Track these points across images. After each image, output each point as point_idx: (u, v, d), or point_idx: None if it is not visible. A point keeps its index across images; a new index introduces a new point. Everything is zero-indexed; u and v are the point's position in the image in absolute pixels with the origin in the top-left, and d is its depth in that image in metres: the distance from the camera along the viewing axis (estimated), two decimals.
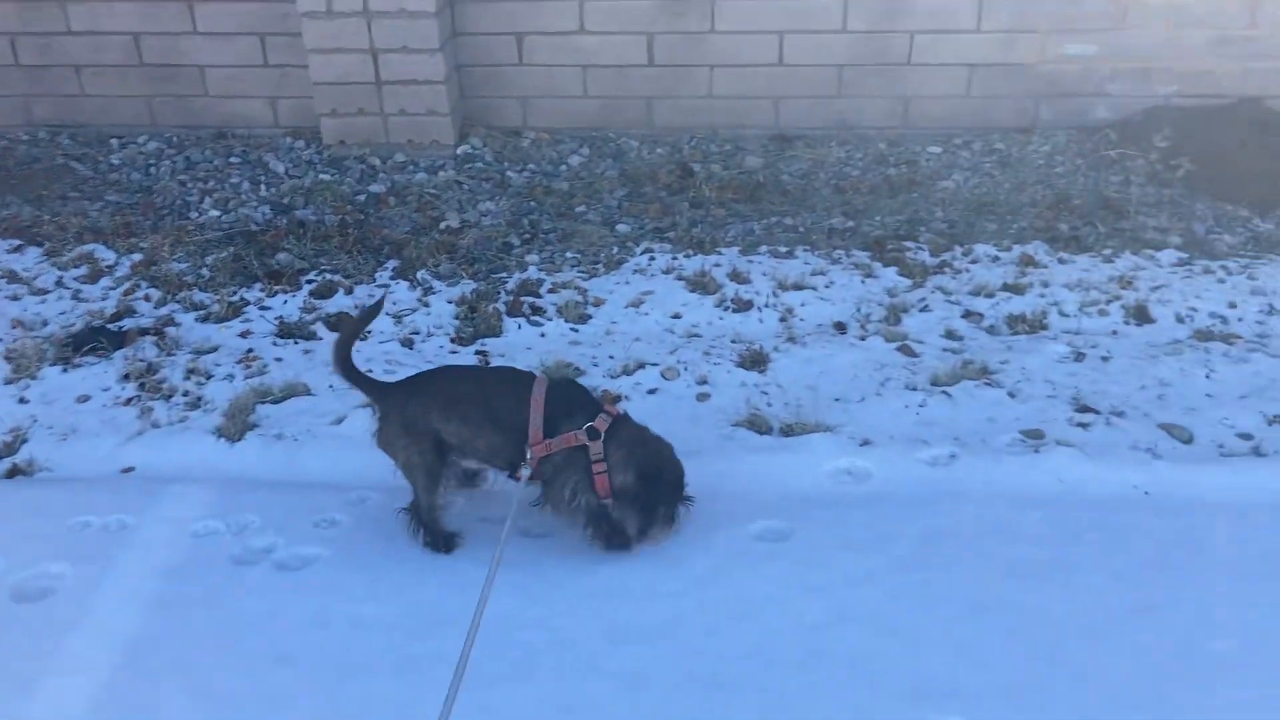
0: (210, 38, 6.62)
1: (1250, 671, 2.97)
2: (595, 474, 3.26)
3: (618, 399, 4.23)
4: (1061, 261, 5.24)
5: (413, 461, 3.40)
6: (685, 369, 4.43)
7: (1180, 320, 4.77)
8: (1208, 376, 4.32)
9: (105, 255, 5.40)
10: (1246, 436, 3.97)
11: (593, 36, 6.46)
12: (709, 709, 2.89)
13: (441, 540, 3.48)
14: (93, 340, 4.60)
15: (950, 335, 4.69)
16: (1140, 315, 4.79)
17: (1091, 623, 3.16)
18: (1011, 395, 4.23)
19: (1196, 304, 4.87)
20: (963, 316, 4.83)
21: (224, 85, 6.77)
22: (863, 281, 5.09)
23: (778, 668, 3.02)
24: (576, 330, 4.78)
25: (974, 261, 5.28)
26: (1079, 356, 4.49)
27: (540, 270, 5.25)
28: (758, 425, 4.07)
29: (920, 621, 3.18)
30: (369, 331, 4.69)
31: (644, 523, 3.32)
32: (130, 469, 3.95)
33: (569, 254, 5.40)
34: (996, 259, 5.29)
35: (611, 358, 4.54)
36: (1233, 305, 4.85)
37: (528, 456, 3.24)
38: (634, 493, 3.30)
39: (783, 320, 4.82)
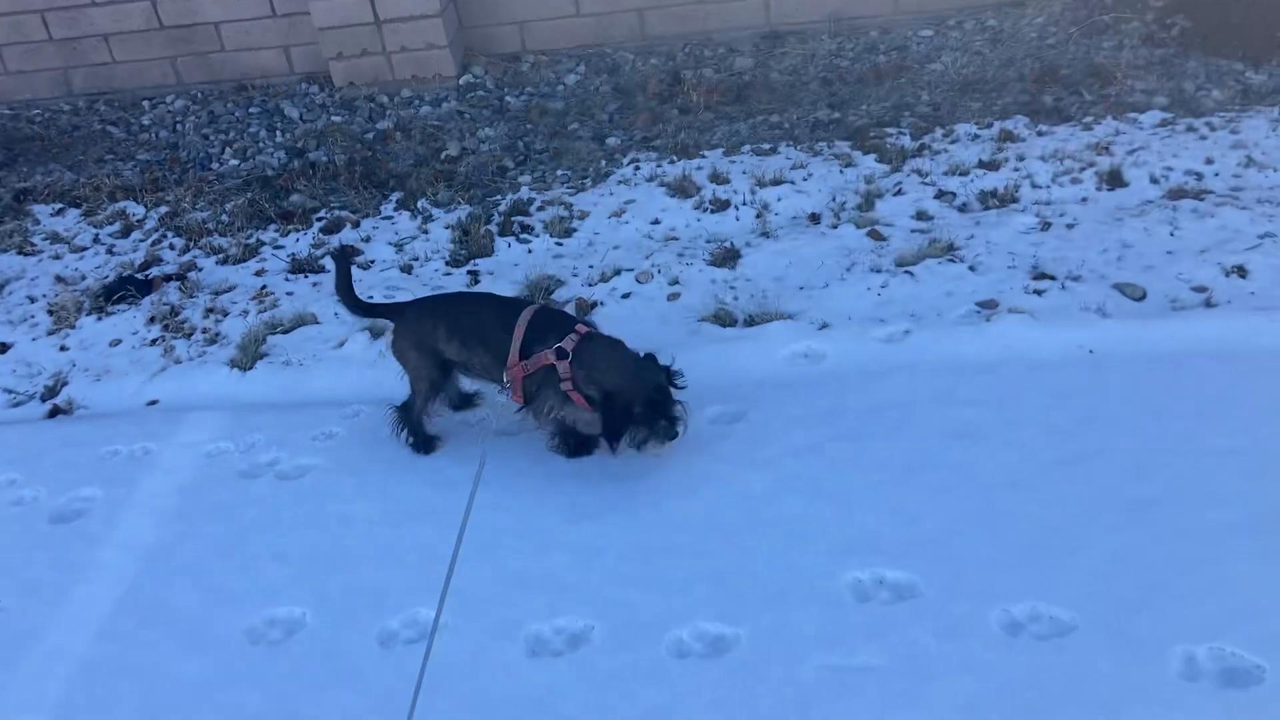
0: None
1: (1163, 511, 3.13)
2: (568, 391, 3.44)
3: (593, 306, 4.48)
4: (1040, 134, 5.27)
5: (421, 373, 3.71)
6: (659, 272, 4.65)
7: (1154, 181, 4.79)
8: (1172, 234, 4.38)
9: (135, 210, 5.82)
10: (1201, 289, 4.04)
11: None
12: (651, 572, 3.17)
13: (423, 442, 3.81)
14: (123, 289, 5.01)
15: (921, 216, 4.80)
16: (1113, 180, 4.82)
17: (1018, 476, 3.34)
18: (972, 269, 4.35)
19: (1173, 163, 4.88)
20: (935, 197, 4.93)
21: (239, 39, 7.09)
22: (841, 171, 5.21)
23: (717, 534, 3.28)
24: (561, 244, 5.02)
25: (953, 142, 5.34)
26: (1045, 226, 4.57)
27: (531, 190, 5.49)
28: (722, 319, 4.28)
29: (855, 486, 3.39)
30: (371, 262, 5.03)
31: (612, 432, 3.41)
32: (155, 402, 4.37)
33: (559, 171, 5.63)
34: (976, 137, 5.35)
35: (591, 267, 4.78)
36: (1210, 161, 4.85)
37: (505, 379, 3.52)
38: (601, 407, 3.43)
39: (759, 216, 4.99)
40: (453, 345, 3.63)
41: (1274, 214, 4.38)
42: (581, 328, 3.52)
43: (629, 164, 5.57)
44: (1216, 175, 4.76)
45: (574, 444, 3.67)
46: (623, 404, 3.39)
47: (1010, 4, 6.49)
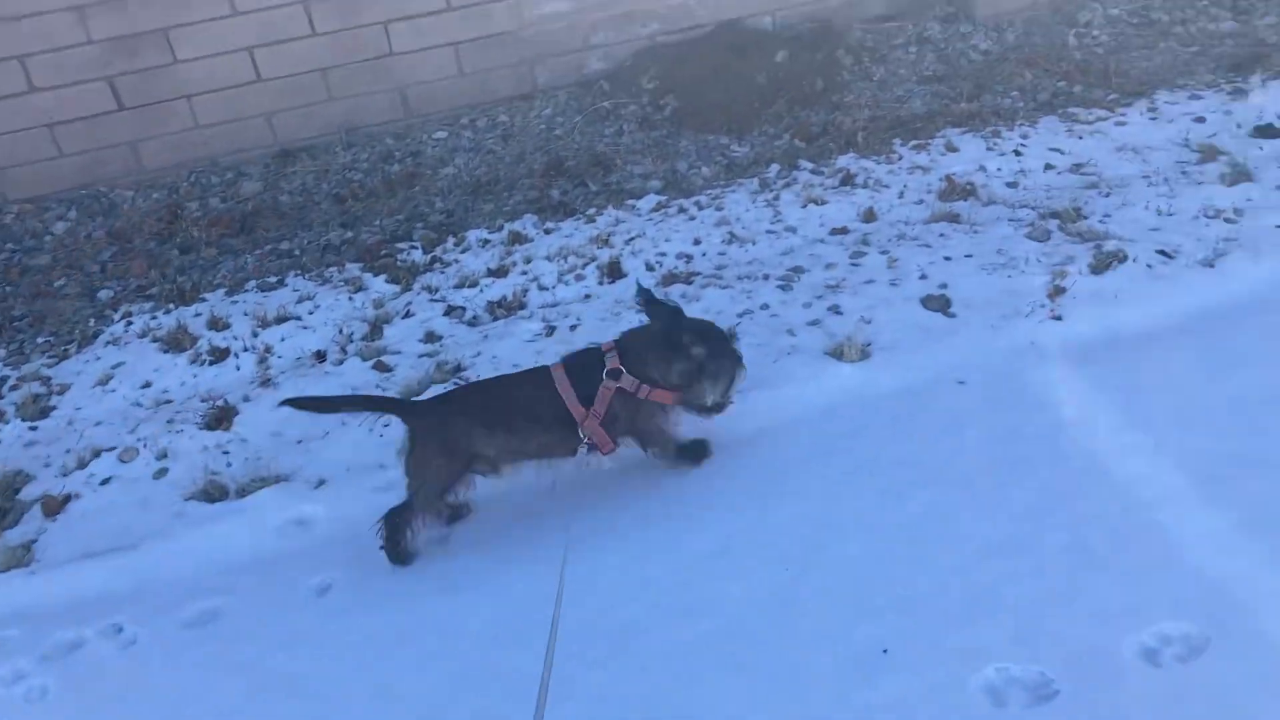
0: None
1: (644, 638, 3.07)
2: (651, 399, 3.40)
3: (65, 500, 3.95)
4: (547, 232, 5.30)
5: (440, 479, 3.42)
6: (145, 446, 4.18)
7: (650, 269, 4.92)
8: None
9: None
10: None
11: (47, 93, 5.96)
12: None
13: (408, 555, 3.52)
14: None
15: (430, 338, 4.64)
16: (614, 272, 4.91)
17: (505, 626, 3.20)
18: None
19: (666, 247, 5.04)
20: (445, 314, 4.79)
21: None
22: (350, 298, 4.98)
23: None
24: (35, 428, 4.42)
25: (465, 250, 5.26)
26: (550, 330, 4.55)
27: (5, 366, 4.84)
28: (212, 493, 3.88)
29: (340, 674, 3.12)
30: None
31: (712, 388, 3.51)
32: None
33: (40, 339, 5.00)
34: (487, 242, 5.29)
35: (68, 451, 4.23)
36: (698, 241, 5.05)
37: (583, 436, 3.35)
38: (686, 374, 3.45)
39: (261, 361, 4.64)
40: (496, 440, 3.40)
41: (751, 289, 4.60)
42: (606, 345, 3.46)
43: (121, 319, 5.05)
44: (704, 255, 4.96)
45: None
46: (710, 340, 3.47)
47: (519, 98, 6.57)
